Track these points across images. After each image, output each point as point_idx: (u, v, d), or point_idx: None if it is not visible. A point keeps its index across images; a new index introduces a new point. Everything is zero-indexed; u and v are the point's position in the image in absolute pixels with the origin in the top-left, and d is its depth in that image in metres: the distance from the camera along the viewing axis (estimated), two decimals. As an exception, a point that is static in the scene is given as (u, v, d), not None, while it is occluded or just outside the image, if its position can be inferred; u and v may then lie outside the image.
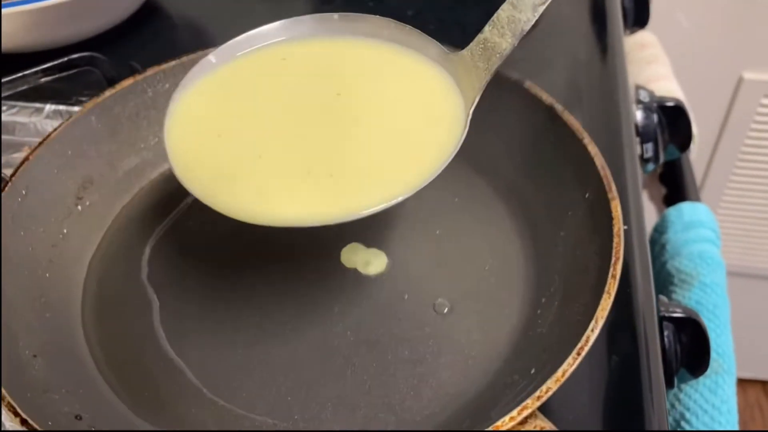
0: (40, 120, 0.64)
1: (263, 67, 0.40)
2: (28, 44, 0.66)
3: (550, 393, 0.31)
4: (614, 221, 0.38)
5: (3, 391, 0.33)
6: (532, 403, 0.31)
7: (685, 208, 0.69)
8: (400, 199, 0.34)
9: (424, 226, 0.46)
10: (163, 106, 0.47)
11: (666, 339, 0.46)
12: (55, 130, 0.46)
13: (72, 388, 0.37)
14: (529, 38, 0.46)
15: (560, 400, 0.34)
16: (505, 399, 0.35)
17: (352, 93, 0.38)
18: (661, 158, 0.64)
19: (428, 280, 0.43)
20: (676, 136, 0.65)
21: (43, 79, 0.57)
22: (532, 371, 0.36)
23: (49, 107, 0.64)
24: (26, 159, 0.44)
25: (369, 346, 0.39)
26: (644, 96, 0.62)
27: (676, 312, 0.47)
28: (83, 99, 0.64)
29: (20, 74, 0.57)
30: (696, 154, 0.75)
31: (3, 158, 0.63)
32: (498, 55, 0.39)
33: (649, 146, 0.62)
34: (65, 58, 0.58)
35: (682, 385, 0.55)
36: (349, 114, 0.37)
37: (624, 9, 0.74)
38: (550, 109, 0.45)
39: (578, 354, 0.33)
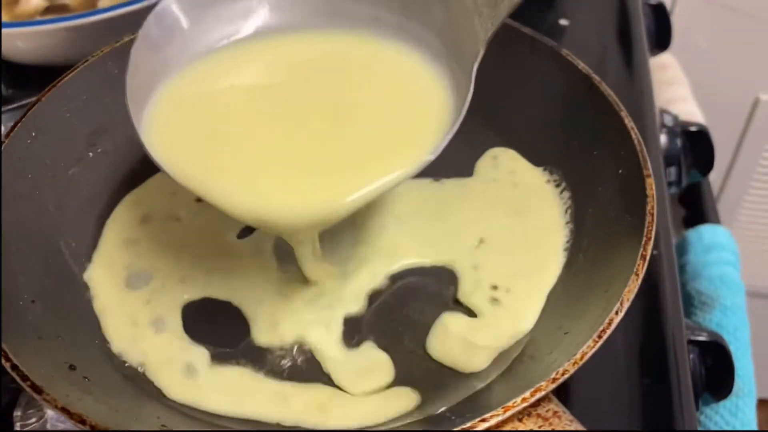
0: (76, 132, 0.66)
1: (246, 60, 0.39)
2: (64, 59, 0.68)
3: (566, 376, 0.30)
4: (648, 199, 0.36)
5: None
6: (546, 385, 0.30)
7: (705, 230, 0.70)
8: (396, 175, 0.32)
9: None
10: None
11: (691, 362, 0.47)
12: (68, 73, 0.44)
13: (68, 336, 0.37)
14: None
15: (593, 421, 0.35)
16: (518, 379, 0.34)
17: (341, 87, 0.37)
18: (684, 182, 0.65)
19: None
20: (699, 160, 0.66)
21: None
22: (551, 352, 0.34)
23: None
24: (38, 100, 0.42)
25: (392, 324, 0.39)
26: (668, 120, 0.63)
27: (701, 335, 0.48)
28: (118, 112, 0.66)
29: (62, 89, 0.58)
30: (711, 175, 0.76)
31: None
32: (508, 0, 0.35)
33: (673, 170, 0.63)
34: (106, 74, 0.59)
35: (703, 408, 0.56)
36: (339, 105, 0.36)
37: (647, 32, 0.75)
38: (587, 79, 0.43)
39: (599, 337, 0.31)
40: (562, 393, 0.35)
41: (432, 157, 0.33)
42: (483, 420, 0.29)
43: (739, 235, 1.28)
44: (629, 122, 0.40)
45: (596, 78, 0.43)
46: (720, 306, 0.64)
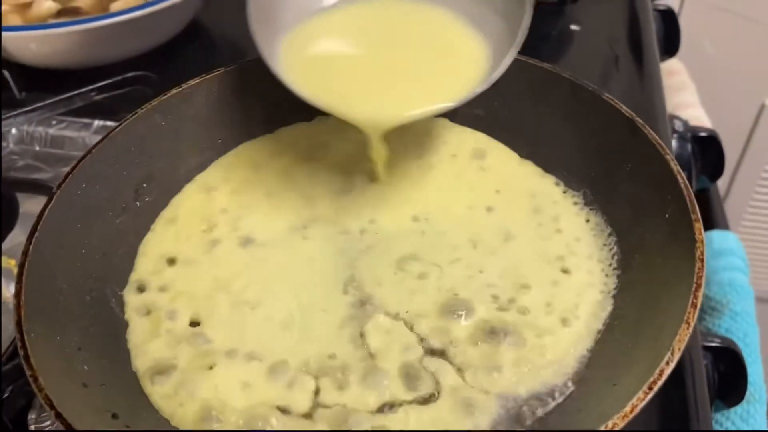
0: (88, 135, 0.66)
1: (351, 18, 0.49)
2: (77, 62, 0.68)
3: (615, 429, 0.29)
4: (698, 244, 0.35)
5: (41, 382, 0.32)
6: None
7: (715, 236, 0.70)
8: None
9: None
10: (232, 105, 0.51)
11: (705, 368, 0.47)
12: (119, 125, 0.45)
13: (112, 384, 0.37)
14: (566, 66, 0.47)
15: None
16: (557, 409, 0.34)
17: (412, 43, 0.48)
18: (694, 188, 0.65)
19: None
20: (709, 166, 0.66)
21: (97, 96, 0.59)
22: (599, 405, 0.33)
23: (97, 123, 0.66)
24: (89, 152, 0.43)
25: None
26: (679, 126, 0.63)
27: (714, 341, 0.48)
28: (130, 115, 0.66)
29: (76, 92, 0.58)
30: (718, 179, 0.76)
31: (53, 172, 0.64)
32: None
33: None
34: (119, 77, 0.60)
35: (714, 414, 0.56)
36: (408, 57, 0.47)
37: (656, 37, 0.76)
38: (630, 122, 0.42)
39: (649, 389, 0.30)
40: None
41: (468, 96, 0.43)
42: None
43: (744, 240, 1.29)
44: (675, 165, 0.39)
45: (640, 121, 0.42)
46: (729, 312, 0.64)
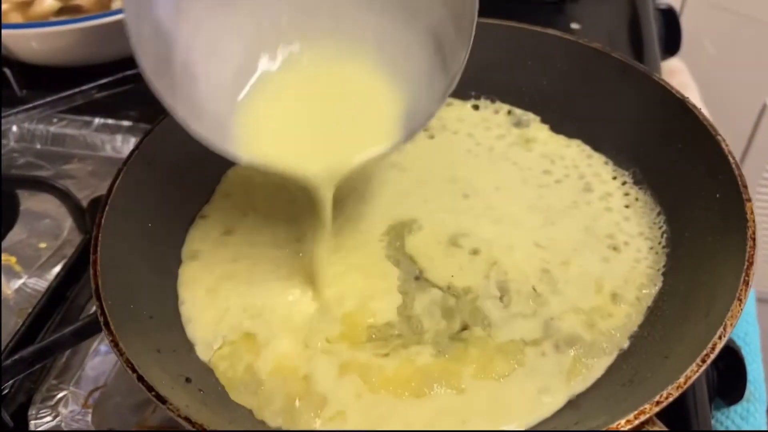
0: (89, 132, 0.66)
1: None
2: (78, 59, 0.68)
3: (670, 399, 0.30)
4: (749, 224, 0.36)
5: (121, 347, 0.33)
6: (650, 408, 0.30)
7: (715, 235, 0.70)
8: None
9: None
10: None
11: (704, 367, 0.47)
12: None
13: (182, 350, 0.39)
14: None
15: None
16: (619, 401, 0.34)
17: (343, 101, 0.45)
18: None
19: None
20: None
21: (98, 94, 0.59)
22: (649, 374, 0.34)
23: (98, 120, 0.66)
24: (151, 129, 0.45)
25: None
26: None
27: (713, 340, 0.48)
28: (131, 113, 0.66)
29: (77, 89, 0.58)
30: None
31: (53, 169, 0.65)
32: None
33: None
34: (120, 75, 0.60)
35: (714, 412, 0.56)
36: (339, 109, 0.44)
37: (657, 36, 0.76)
38: (681, 103, 0.43)
39: (702, 362, 0.31)
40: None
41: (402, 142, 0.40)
42: None
43: (746, 240, 1.29)
44: (726, 146, 0.40)
45: (691, 102, 0.43)
46: (730, 310, 0.64)
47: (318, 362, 0.39)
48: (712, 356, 0.31)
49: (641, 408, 0.30)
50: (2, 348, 0.45)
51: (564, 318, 0.39)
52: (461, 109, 0.54)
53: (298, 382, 0.38)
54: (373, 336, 0.39)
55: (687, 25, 0.84)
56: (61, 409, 0.45)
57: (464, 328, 0.40)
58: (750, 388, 0.56)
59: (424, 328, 0.40)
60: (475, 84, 0.52)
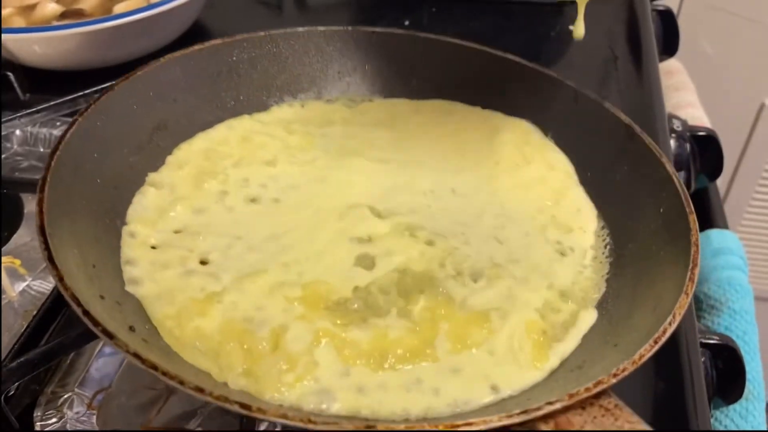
0: (91, 136, 0.67)
1: None
2: (80, 63, 0.69)
3: (626, 373, 0.32)
4: (692, 233, 0.40)
5: (66, 282, 0.33)
6: (607, 379, 0.32)
7: (714, 234, 0.71)
8: None
9: None
10: (245, 73, 0.52)
11: (703, 365, 0.47)
12: (140, 68, 0.47)
13: (125, 304, 0.39)
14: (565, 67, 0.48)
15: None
16: (570, 381, 0.35)
17: None
18: (693, 187, 0.65)
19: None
20: (707, 165, 0.66)
21: (100, 99, 0.59)
22: (598, 360, 0.36)
23: (100, 124, 0.67)
24: (110, 89, 0.45)
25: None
26: (677, 125, 0.64)
27: (712, 338, 0.49)
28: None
29: (80, 93, 0.59)
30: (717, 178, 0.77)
31: (57, 172, 0.65)
32: None
33: (681, 175, 0.64)
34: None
35: (713, 411, 0.56)
36: None
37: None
38: (628, 128, 0.47)
39: (655, 342, 0.34)
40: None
41: None
42: (550, 403, 0.31)
43: (744, 239, 1.29)
44: (670, 167, 0.44)
45: (637, 128, 0.47)
46: (728, 310, 0.64)
47: (281, 322, 0.38)
48: (663, 339, 0.34)
49: (599, 378, 0.32)
50: (7, 351, 0.46)
51: (520, 306, 0.41)
52: None
53: (259, 342, 0.37)
54: (332, 307, 0.40)
55: (684, 26, 0.84)
56: (66, 411, 0.45)
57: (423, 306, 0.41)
58: (749, 386, 0.57)
59: (380, 305, 0.40)
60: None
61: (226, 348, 0.37)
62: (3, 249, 0.55)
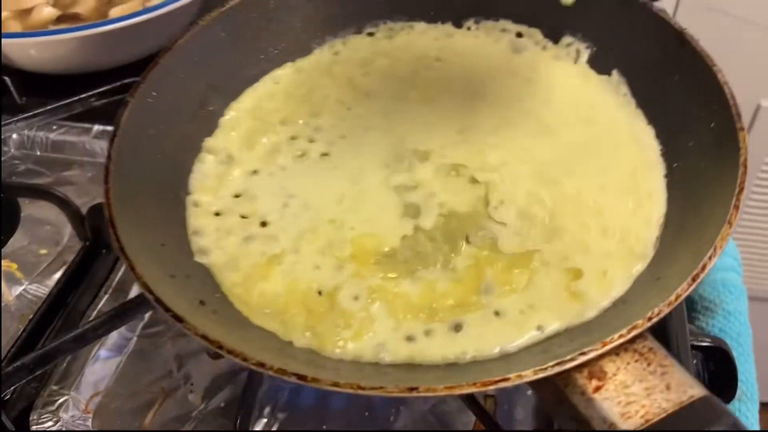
0: (88, 139, 0.67)
1: None
2: (77, 67, 0.69)
3: (661, 315, 0.31)
4: (741, 151, 0.37)
5: (138, 271, 0.35)
6: (642, 323, 0.31)
7: (708, 236, 0.71)
8: None
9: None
10: (284, 19, 0.51)
11: (695, 367, 0.48)
12: (181, 36, 0.47)
13: (196, 275, 0.40)
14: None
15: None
16: (614, 319, 0.35)
17: None
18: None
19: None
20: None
21: (96, 102, 0.60)
22: (641, 295, 0.35)
23: (97, 127, 0.67)
24: (155, 64, 0.45)
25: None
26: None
27: (704, 341, 0.49)
28: (130, 120, 0.67)
29: (76, 97, 0.59)
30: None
31: (53, 176, 0.65)
32: None
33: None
34: (118, 83, 0.60)
35: (707, 411, 0.56)
36: None
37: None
38: (680, 35, 0.44)
39: (693, 280, 0.32)
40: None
41: None
42: (583, 353, 0.30)
43: (739, 240, 1.29)
44: (722, 77, 0.41)
45: (689, 33, 0.43)
46: (723, 311, 0.65)
47: (337, 281, 0.40)
48: (702, 275, 0.33)
49: (634, 323, 0.31)
50: (4, 354, 0.46)
51: (565, 244, 0.40)
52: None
53: (319, 301, 0.39)
54: (381, 261, 0.41)
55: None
56: (62, 414, 0.46)
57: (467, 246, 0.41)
58: (742, 387, 0.57)
59: (428, 252, 0.41)
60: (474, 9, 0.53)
61: (289, 309, 0.39)
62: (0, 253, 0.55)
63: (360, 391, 0.31)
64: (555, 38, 0.51)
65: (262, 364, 0.31)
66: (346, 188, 0.45)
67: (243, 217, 0.44)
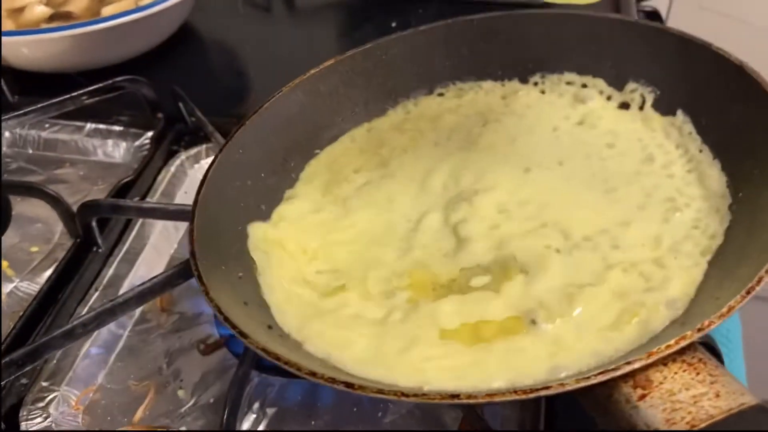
0: (80, 138, 0.67)
1: None
2: (69, 65, 0.69)
3: (712, 326, 0.31)
4: None
5: (212, 296, 0.38)
6: (691, 334, 0.31)
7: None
8: None
9: None
10: (360, 84, 0.55)
11: (682, 363, 0.48)
12: (268, 100, 0.52)
13: (265, 304, 0.43)
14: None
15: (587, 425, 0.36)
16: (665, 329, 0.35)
17: None
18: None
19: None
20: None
21: (88, 100, 0.60)
22: (698, 311, 0.35)
23: (89, 126, 0.67)
24: (242, 124, 0.50)
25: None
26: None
27: (692, 338, 0.49)
28: (122, 118, 0.67)
29: (69, 95, 0.59)
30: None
31: (45, 174, 0.66)
32: None
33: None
34: (110, 81, 0.60)
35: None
36: None
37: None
38: (739, 68, 0.44)
39: (747, 293, 0.32)
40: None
41: None
42: (628, 363, 0.30)
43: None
44: None
45: (748, 66, 0.44)
46: (713, 309, 0.65)
47: (396, 311, 0.41)
48: (758, 288, 0.32)
49: (683, 334, 0.31)
50: (-6, 350, 0.46)
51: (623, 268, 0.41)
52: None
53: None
54: (438, 289, 0.42)
55: (674, 26, 0.85)
56: (52, 411, 0.46)
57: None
58: (731, 384, 0.57)
59: (481, 283, 0.42)
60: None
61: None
62: (-9, 250, 0.56)
63: (403, 398, 0.32)
64: (619, 86, 0.52)
65: (313, 373, 0.33)
66: (409, 227, 0.47)
67: (305, 259, 0.46)
